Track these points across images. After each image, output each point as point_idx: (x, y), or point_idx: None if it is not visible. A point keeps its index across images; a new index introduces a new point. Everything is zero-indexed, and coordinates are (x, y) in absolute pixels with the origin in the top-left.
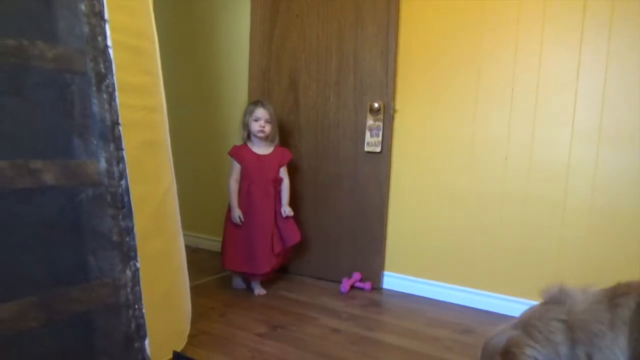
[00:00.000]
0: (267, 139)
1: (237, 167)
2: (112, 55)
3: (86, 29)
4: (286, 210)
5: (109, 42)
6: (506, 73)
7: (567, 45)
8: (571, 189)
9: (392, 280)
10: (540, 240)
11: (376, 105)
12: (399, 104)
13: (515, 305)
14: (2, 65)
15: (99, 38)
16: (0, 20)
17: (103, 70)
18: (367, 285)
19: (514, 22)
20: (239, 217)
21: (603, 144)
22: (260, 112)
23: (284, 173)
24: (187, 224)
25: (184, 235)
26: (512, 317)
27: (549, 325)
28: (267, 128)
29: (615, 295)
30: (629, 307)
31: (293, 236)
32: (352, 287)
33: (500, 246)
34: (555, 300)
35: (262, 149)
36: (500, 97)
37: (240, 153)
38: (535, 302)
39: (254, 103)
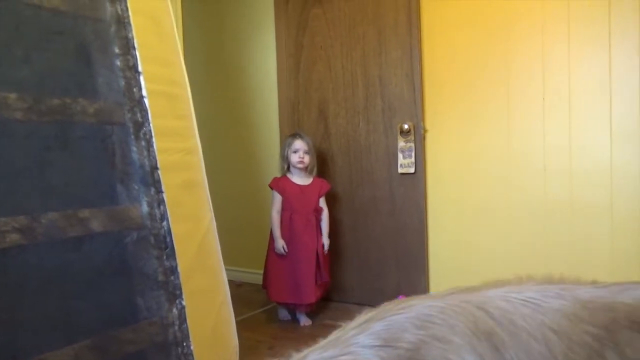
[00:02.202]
0: (306, 169)
1: (278, 198)
2: (147, 104)
3: (122, 82)
4: (325, 243)
5: (144, 92)
6: (536, 81)
7: (596, 45)
8: (617, 193)
9: None
10: (590, 251)
11: (406, 126)
12: (428, 123)
13: None
14: (50, 122)
15: (135, 89)
16: (47, 81)
17: (140, 119)
18: None
19: (539, 28)
20: (283, 247)
21: None
22: (299, 144)
23: (323, 203)
24: (230, 259)
25: (227, 270)
26: None
27: None
28: (306, 159)
29: None
30: None
31: (325, 275)
32: None
33: (547, 259)
34: None
35: (302, 180)
36: (533, 107)
37: (280, 184)
38: None
39: (292, 135)
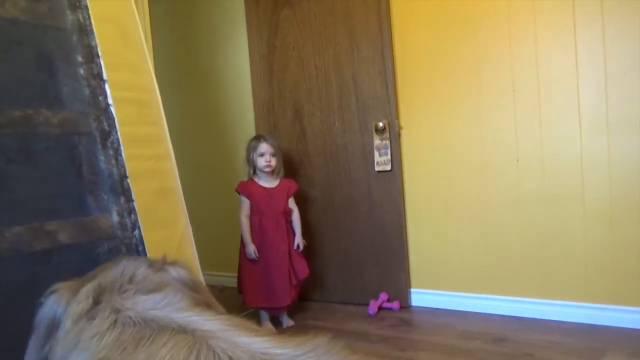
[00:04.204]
0: (273, 172)
1: (246, 203)
2: (114, 113)
3: (87, 91)
4: (300, 243)
5: (110, 100)
6: (505, 75)
7: (562, 38)
8: (588, 183)
9: (419, 297)
10: (564, 239)
11: (381, 124)
12: (403, 120)
13: (545, 308)
14: (10, 134)
15: (100, 98)
16: (7, 92)
17: (107, 127)
18: (395, 304)
19: (506, 23)
20: (254, 252)
21: (613, 133)
22: (265, 147)
23: (292, 204)
24: (210, 265)
25: (207, 275)
26: (544, 321)
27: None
28: (273, 162)
29: None
30: None
31: (303, 270)
32: (380, 308)
33: (523, 249)
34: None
35: (269, 182)
36: (503, 100)
37: (247, 188)
38: (564, 302)
39: (256, 139)
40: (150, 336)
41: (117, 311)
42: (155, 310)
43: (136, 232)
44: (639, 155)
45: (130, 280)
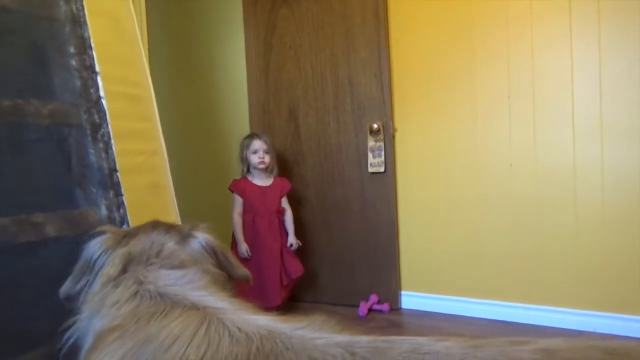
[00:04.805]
0: (267, 170)
1: (239, 201)
2: (105, 106)
3: (78, 83)
4: (293, 242)
5: (102, 93)
6: (501, 80)
7: (558, 46)
8: (581, 188)
9: (410, 299)
10: (555, 244)
11: (375, 126)
12: (398, 122)
13: (535, 314)
14: (0, 124)
15: (92, 90)
16: None
17: (97, 120)
18: (385, 306)
19: (504, 29)
20: (246, 251)
21: (606, 140)
22: (258, 144)
23: (285, 203)
24: None
25: None
26: (534, 327)
27: None
28: (267, 159)
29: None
30: None
31: (296, 269)
32: (370, 310)
33: (515, 254)
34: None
35: (262, 181)
36: (499, 105)
37: (240, 186)
38: (555, 308)
39: (249, 136)
40: (164, 311)
41: (140, 283)
42: (174, 287)
43: (125, 226)
44: (632, 162)
45: (158, 254)
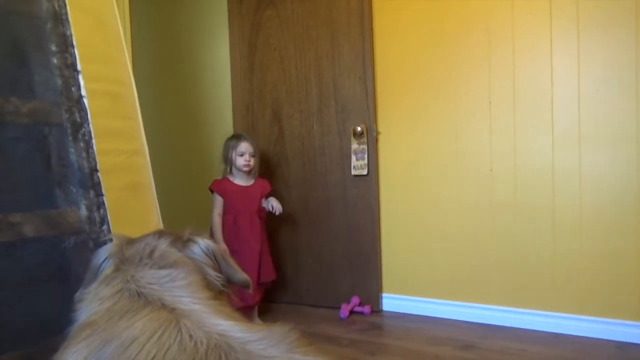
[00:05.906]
0: (250, 172)
1: (219, 201)
2: (87, 105)
3: (59, 81)
4: (275, 205)
5: (83, 92)
6: (482, 86)
7: (538, 51)
8: (559, 195)
9: (391, 302)
10: (534, 248)
11: (359, 129)
12: (381, 126)
13: (513, 316)
14: None
15: (73, 89)
16: None
17: (78, 119)
18: (366, 309)
19: (485, 34)
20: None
21: (584, 147)
22: (245, 147)
23: (265, 204)
24: None
25: None
26: (512, 329)
27: None
28: (252, 162)
29: None
30: None
31: (268, 274)
32: (352, 312)
33: (494, 258)
34: None
35: (244, 181)
36: (480, 110)
37: (222, 186)
38: (533, 311)
39: (236, 137)
40: (135, 309)
41: (126, 281)
42: (154, 286)
43: (105, 227)
44: (609, 169)
45: (150, 254)
